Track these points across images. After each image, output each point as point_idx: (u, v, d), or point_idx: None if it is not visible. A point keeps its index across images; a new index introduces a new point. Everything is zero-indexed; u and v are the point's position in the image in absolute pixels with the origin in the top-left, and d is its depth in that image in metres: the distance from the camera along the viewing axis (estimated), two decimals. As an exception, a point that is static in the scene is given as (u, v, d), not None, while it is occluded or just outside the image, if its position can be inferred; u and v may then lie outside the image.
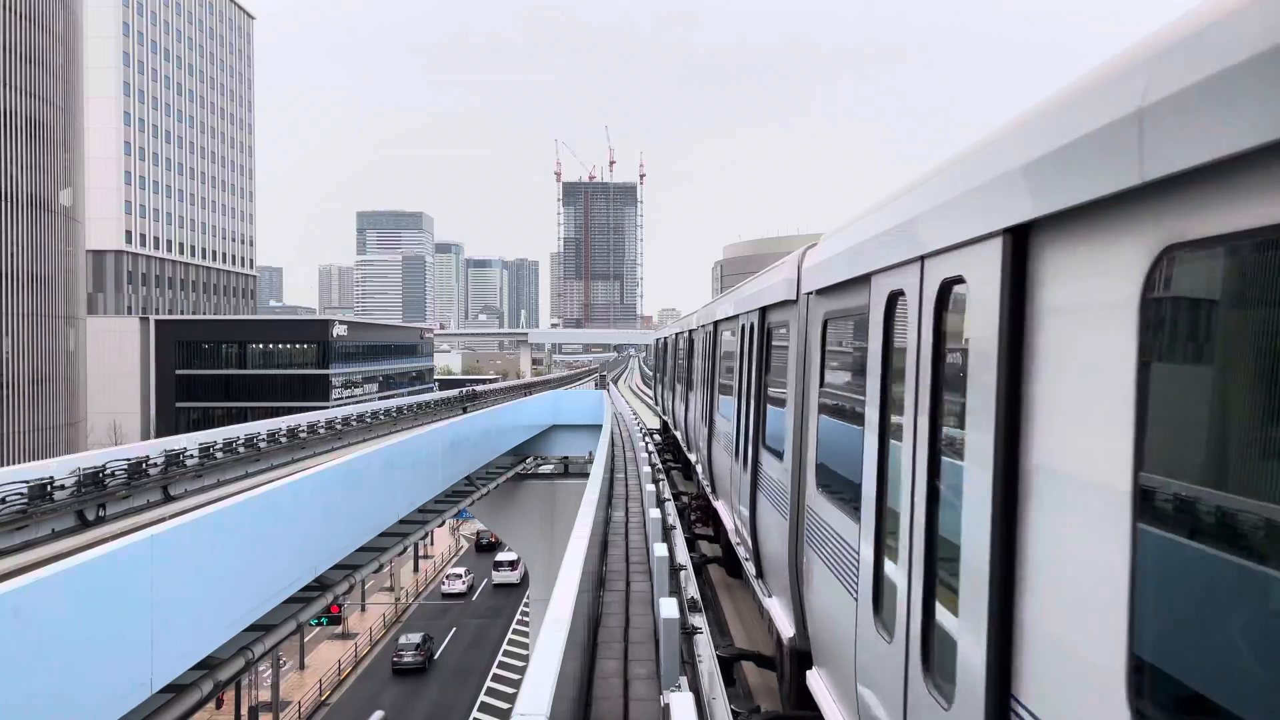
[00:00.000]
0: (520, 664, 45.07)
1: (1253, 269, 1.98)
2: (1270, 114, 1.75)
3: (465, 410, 68.01)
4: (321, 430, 50.43)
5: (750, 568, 9.52)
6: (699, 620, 10.38)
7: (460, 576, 64.53)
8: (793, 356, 7.27)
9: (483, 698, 42.47)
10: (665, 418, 30.29)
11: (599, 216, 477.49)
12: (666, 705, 6.96)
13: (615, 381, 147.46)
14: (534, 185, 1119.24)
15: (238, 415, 79.19)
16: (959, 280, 3.57)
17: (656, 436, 33.65)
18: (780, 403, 7.84)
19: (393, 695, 43.51)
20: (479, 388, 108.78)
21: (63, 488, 25.96)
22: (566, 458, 46.99)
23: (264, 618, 16.54)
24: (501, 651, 49.21)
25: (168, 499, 31.31)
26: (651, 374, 33.03)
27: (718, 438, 13.14)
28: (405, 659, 47.60)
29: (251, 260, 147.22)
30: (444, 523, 42.71)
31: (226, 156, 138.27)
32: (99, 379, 79.08)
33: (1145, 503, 2.30)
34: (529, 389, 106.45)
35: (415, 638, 49.80)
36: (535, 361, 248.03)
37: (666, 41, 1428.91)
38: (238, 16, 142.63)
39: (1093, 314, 2.63)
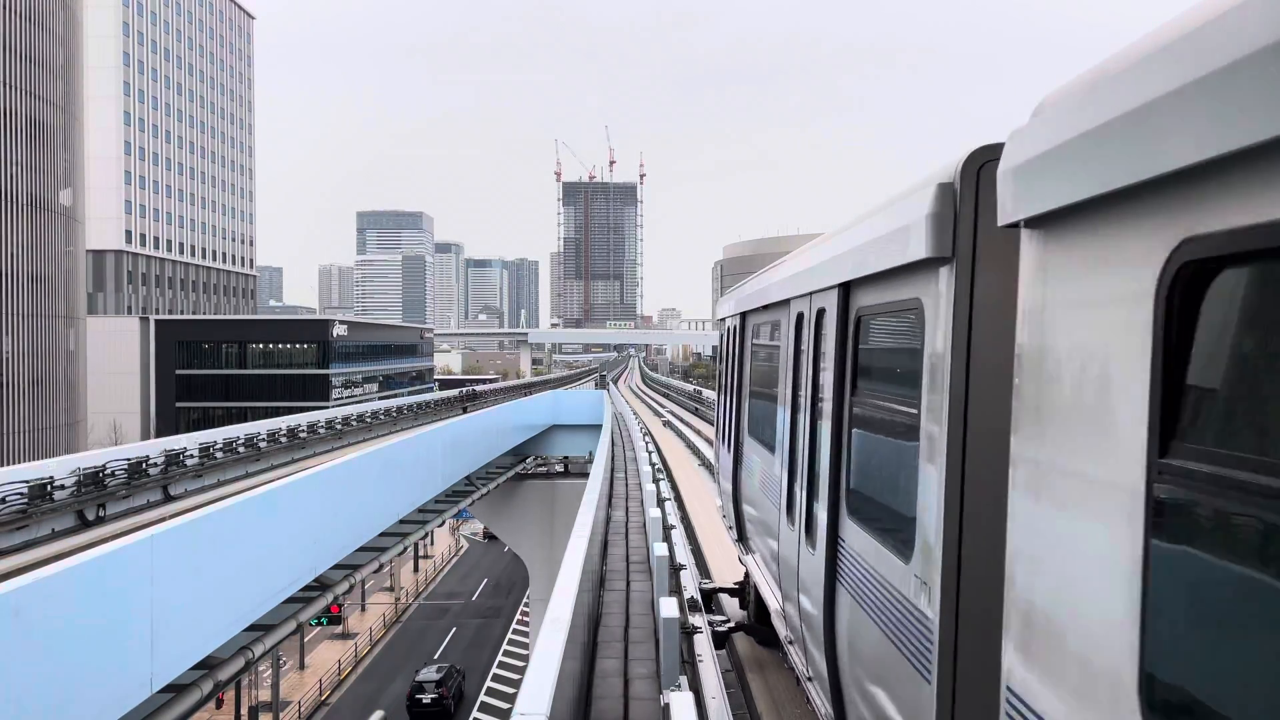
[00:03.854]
0: (520, 664, 45.07)
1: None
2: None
3: (465, 410, 68.02)
4: (321, 430, 50.43)
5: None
6: (699, 620, 10.40)
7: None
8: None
9: (483, 698, 42.46)
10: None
11: (599, 216, 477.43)
12: (666, 705, 6.97)
13: (615, 381, 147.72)
14: (534, 185, 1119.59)
15: (238, 415, 79.18)
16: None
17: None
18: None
19: (393, 695, 43.50)
20: (479, 388, 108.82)
21: (63, 488, 25.97)
22: (566, 458, 46.99)
23: (264, 618, 16.54)
24: (501, 651, 49.21)
25: (168, 499, 31.32)
26: (719, 393, 12.96)
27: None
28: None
29: (251, 260, 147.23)
30: (444, 523, 42.70)
31: (226, 156, 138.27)
32: (99, 379, 79.06)
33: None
34: (529, 389, 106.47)
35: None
36: (535, 361, 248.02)
37: (667, 42, 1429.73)
38: (238, 16, 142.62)
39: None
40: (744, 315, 9.94)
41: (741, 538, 10.31)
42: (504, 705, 39.39)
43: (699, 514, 24.07)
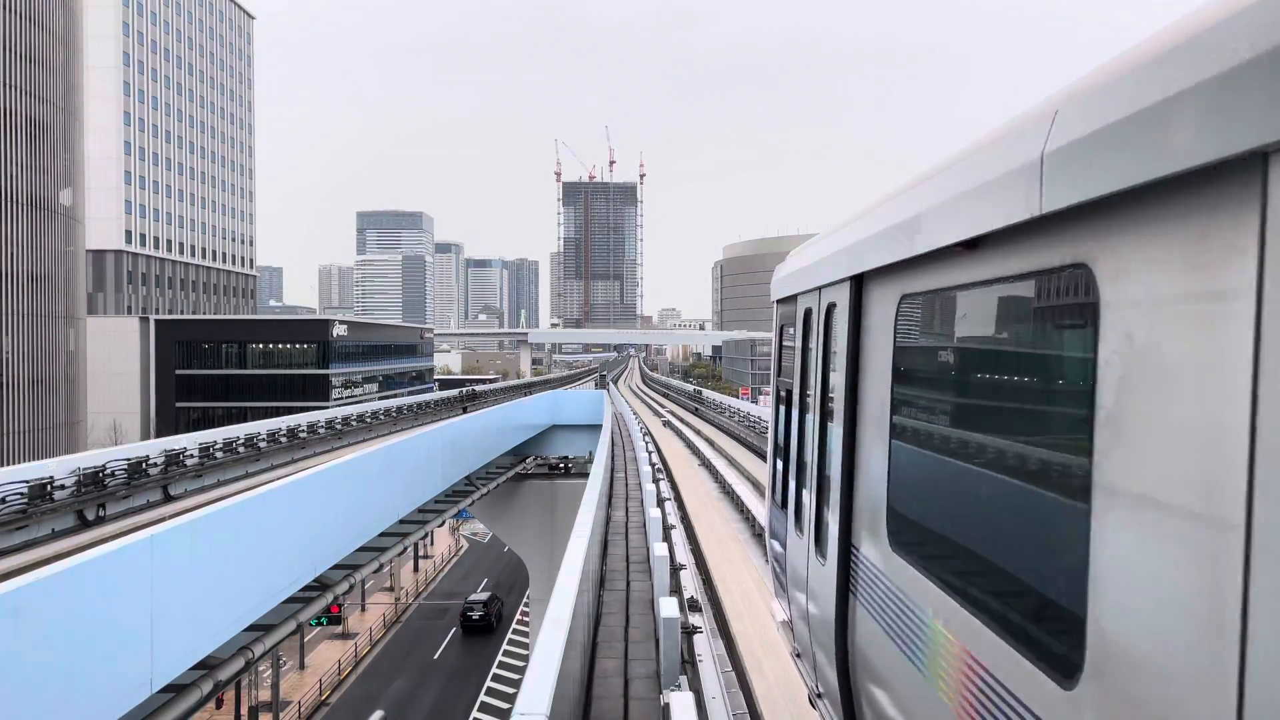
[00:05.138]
0: (520, 664, 45.06)
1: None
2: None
3: (465, 410, 68.05)
4: (321, 430, 50.44)
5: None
6: (698, 619, 10.39)
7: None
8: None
9: (483, 698, 42.44)
10: None
11: (599, 216, 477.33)
12: (666, 705, 6.96)
13: (615, 381, 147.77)
14: (534, 185, 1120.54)
15: (238, 415, 79.17)
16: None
17: None
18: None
19: (393, 695, 43.51)
20: (479, 388, 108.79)
21: (63, 488, 25.96)
22: (566, 457, 46.98)
23: (264, 618, 16.54)
24: (501, 651, 49.21)
25: (168, 499, 31.31)
26: (778, 408, 7.69)
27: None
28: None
29: (251, 260, 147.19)
30: (444, 523, 42.68)
31: (226, 156, 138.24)
32: (99, 379, 79.05)
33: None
34: (529, 389, 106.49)
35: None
36: (535, 361, 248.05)
37: (667, 42, 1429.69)
38: (238, 16, 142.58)
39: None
40: (861, 282, 4.93)
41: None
42: (504, 705, 39.39)
43: (699, 514, 24.08)
